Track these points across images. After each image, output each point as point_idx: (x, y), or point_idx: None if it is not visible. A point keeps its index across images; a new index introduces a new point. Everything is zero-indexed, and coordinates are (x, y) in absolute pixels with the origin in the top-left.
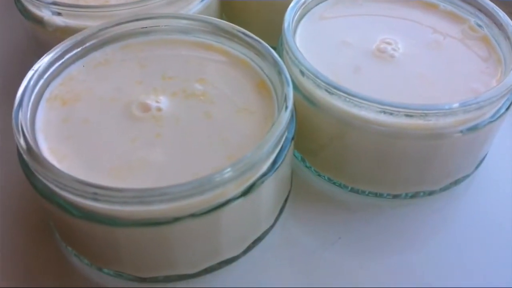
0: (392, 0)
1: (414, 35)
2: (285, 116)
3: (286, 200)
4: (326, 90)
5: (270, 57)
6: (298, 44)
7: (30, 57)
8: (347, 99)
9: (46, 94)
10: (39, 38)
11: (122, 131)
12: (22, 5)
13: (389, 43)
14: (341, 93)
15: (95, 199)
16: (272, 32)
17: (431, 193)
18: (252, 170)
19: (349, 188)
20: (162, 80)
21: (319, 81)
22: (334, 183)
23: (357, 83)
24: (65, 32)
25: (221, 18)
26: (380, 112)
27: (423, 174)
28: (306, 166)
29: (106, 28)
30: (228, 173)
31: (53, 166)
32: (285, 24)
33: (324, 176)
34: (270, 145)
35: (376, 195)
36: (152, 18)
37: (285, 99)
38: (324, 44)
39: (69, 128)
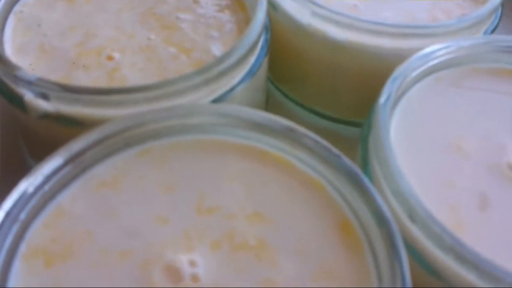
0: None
1: None
2: None
3: None
4: (455, 256)
5: (355, 178)
6: (393, 142)
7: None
8: (487, 275)
9: (22, 248)
10: (21, 123)
11: None
12: None
13: None
14: (483, 268)
15: None
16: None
17: None
18: None
19: None
20: (197, 214)
21: (444, 242)
22: None
23: (488, 230)
24: (56, 120)
25: (267, 84)
26: None
27: None
28: None
29: (118, 133)
30: None
31: None
32: (379, 117)
33: None
34: None
35: None
36: (182, 113)
37: None
38: (430, 150)
39: None
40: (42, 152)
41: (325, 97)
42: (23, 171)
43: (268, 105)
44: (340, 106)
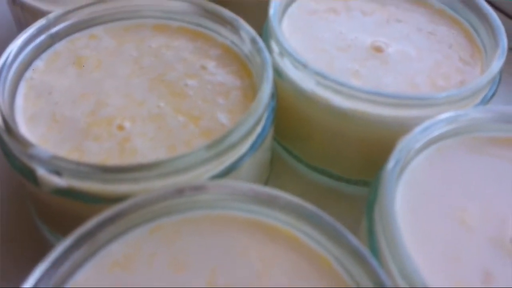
0: None
1: None
2: None
3: None
4: None
5: (362, 258)
6: (398, 216)
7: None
8: None
9: None
10: (30, 193)
11: None
12: (5, 145)
13: None
14: None
15: None
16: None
17: None
18: None
19: None
20: None
21: None
22: None
23: None
24: (68, 194)
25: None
26: None
27: None
28: None
29: (130, 212)
30: None
31: None
32: (385, 193)
33: None
34: None
35: None
36: (192, 192)
37: None
38: (434, 223)
39: None
40: (51, 219)
41: (328, 158)
42: (30, 232)
43: (273, 160)
44: (343, 166)
